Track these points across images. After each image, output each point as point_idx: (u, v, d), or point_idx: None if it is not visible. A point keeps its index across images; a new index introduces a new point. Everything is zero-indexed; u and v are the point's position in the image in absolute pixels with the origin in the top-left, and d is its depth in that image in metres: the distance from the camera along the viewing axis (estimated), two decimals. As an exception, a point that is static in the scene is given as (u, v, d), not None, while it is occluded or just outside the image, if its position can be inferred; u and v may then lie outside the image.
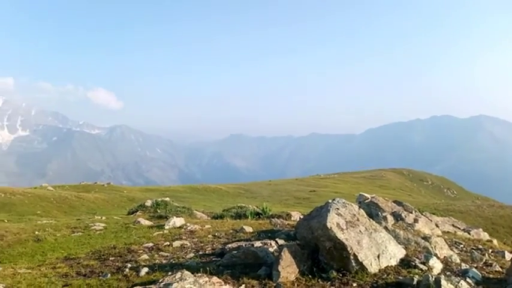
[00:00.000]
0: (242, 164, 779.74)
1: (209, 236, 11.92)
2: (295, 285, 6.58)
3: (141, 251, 10.17)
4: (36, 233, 13.92)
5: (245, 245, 9.06)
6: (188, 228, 13.47)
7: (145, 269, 7.90)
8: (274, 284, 6.57)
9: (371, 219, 8.42)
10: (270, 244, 9.09)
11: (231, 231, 12.59)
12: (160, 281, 5.83)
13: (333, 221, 7.29)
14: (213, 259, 8.70)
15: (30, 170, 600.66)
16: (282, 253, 6.98)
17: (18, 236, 13.47)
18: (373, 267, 7.02)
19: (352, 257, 6.99)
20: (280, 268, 6.78)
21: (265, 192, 54.84)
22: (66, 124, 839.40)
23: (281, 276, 6.72)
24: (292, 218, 16.37)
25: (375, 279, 6.73)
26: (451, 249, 8.97)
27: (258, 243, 9.11)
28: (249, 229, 12.38)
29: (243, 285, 6.51)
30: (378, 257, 7.26)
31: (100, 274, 8.13)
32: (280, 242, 9.69)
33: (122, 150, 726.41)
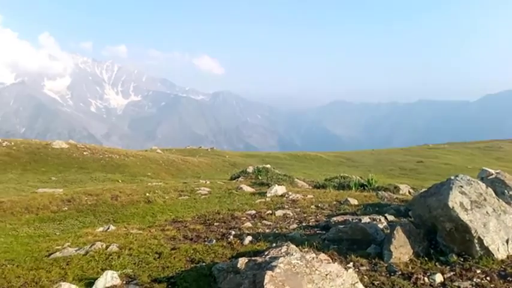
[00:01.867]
0: (343, 132, 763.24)
1: (312, 206, 11.84)
2: (409, 267, 6.15)
3: (244, 218, 10.51)
4: (147, 194, 15.27)
5: (352, 219, 8.77)
6: (290, 197, 13.57)
7: (249, 238, 8.09)
8: (386, 265, 6.21)
9: (500, 200, 7.47)
10: (379, 220, 8.66)
11: (335, 202, 12.34)
12: (266, 253, 5.85)
13: (455, 199, 6.59)
14: (317, 232, 8.59)
15: (141, 133, 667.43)
16: (395, 231, 6.56)
17: (130, 197, 14.94)
18: (500, 253, 6.27)
19: (476, 241, 6.30)
20: (392, 248, 6.39)
21: (368, 162, 52.86)
22: (174, 90, 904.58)
23: (393, 257, 6.33)
24: (401, 192, 15.50)
25: (503, 266, 6.00)
26: None
27: (365, 218, 8.75)
28: (354, 201, 12.01)
29: (351, 263, 6.26)
30: (507, 241, 6.47)
31: (205, 239, 8.52)
32: (390, 218, 9.19)
33: (224, 116, 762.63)
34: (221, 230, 9.43)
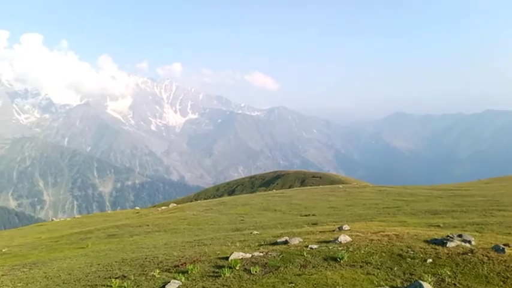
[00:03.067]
0: (403, 145, 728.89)
1: None
2: None
3: None
4: None
5: None
6: None
7: None
8: None
9: None
10: None
11: None
12: None
13: None
14: None
15: (198, 149, 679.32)
16: None
17: None
18: None
19: None
20: None
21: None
22: (229, 107, 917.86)
23: None
24: None
25: None
26: None
27: None
28: None
29: None
30: None
31: None
32: None
33: (280, 131, 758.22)
34: None
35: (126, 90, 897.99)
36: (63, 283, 10.87)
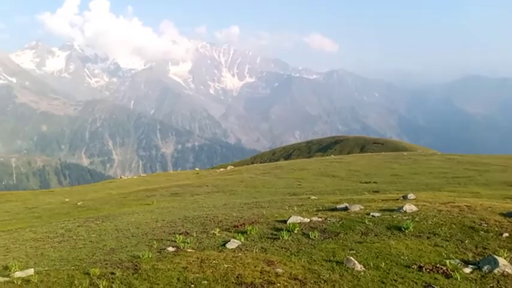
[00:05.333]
0: (476, 111, 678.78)
1: None
2: None
3: None
4: None
5: None
6: None
7: None
8: None
9: None
10: None
11: None
12: None
13: None
14: None
15: (255, 113, 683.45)
16: None
17: None
18: None
19: None
20: None
21: None
22: (287, 70, 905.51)
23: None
24: None
25: None
26: None
27: None
28: None
29: None
30: None
31: None
32: None
33: (339, 95, 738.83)
34: None
35: (186, 54, 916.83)
36: (132, 236, 11.56)
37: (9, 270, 8.67)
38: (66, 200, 30.19)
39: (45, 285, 7.49)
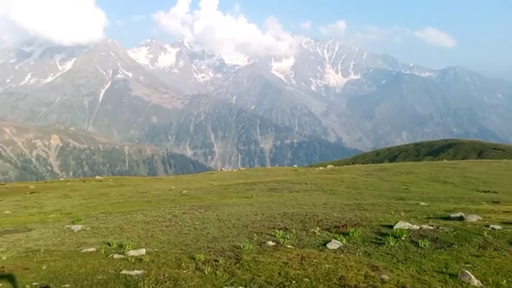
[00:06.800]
0: None
1: None
2: None
3: None
4: None
5: None
6: None
7: None
8: None
9: None
10: None
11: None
12: None
13: None
14: None
15: (358, 111, 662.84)
16: None
17: None
18: None
19: None
20: None
21: None
22: (396, 67, 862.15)
23: None
24: None
25: None
26: None
27: None
28: None
29: None
30: None
31: None
32: None
33: (454, 95, 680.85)
34: None
35: (289, 50, 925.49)
36: (233, 226, 12.08)
37: (124, 249, 9.68)
38: (172, 187, 32.63)
39: (156, 265, 8.19)
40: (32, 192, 34.13)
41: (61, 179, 66.47)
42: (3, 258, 9.27)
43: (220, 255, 8.75)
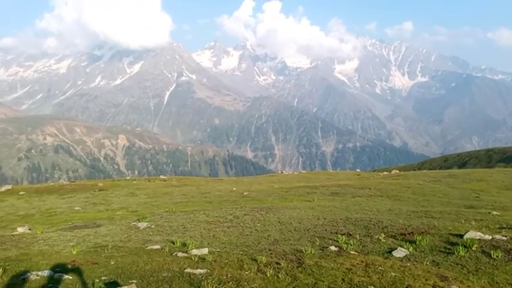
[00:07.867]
0: None
1: None
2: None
3: None
4: None
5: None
6: None
7: None
8: None
9: None
10: None
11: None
12: None
13: None
14: None
15: (426, 115, 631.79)
16: None
17: None
18: None
19: None
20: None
21: None
22: (466, 69, 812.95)
23: None
24: None
25: None
26: None
27: None
28: None
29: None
30: None
31: None
32: None
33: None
34: None
35: (353, 52, 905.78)
36: (295, 230, 12.02)
37: (187, 247, 9.99)
38: (234, 189, 33.21)
39: (218, 265, 8.35)
40: (100, 190, 36.26)
41: (127, 178, 70.16)
42: (74, 252, 9.83)
43: (282, 258, 8.74)
